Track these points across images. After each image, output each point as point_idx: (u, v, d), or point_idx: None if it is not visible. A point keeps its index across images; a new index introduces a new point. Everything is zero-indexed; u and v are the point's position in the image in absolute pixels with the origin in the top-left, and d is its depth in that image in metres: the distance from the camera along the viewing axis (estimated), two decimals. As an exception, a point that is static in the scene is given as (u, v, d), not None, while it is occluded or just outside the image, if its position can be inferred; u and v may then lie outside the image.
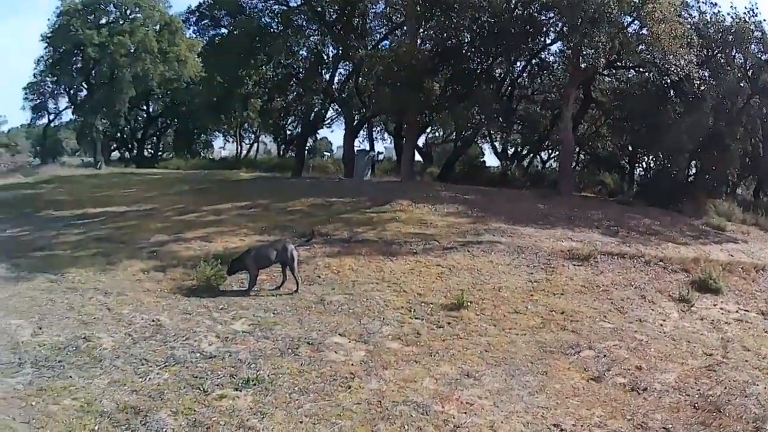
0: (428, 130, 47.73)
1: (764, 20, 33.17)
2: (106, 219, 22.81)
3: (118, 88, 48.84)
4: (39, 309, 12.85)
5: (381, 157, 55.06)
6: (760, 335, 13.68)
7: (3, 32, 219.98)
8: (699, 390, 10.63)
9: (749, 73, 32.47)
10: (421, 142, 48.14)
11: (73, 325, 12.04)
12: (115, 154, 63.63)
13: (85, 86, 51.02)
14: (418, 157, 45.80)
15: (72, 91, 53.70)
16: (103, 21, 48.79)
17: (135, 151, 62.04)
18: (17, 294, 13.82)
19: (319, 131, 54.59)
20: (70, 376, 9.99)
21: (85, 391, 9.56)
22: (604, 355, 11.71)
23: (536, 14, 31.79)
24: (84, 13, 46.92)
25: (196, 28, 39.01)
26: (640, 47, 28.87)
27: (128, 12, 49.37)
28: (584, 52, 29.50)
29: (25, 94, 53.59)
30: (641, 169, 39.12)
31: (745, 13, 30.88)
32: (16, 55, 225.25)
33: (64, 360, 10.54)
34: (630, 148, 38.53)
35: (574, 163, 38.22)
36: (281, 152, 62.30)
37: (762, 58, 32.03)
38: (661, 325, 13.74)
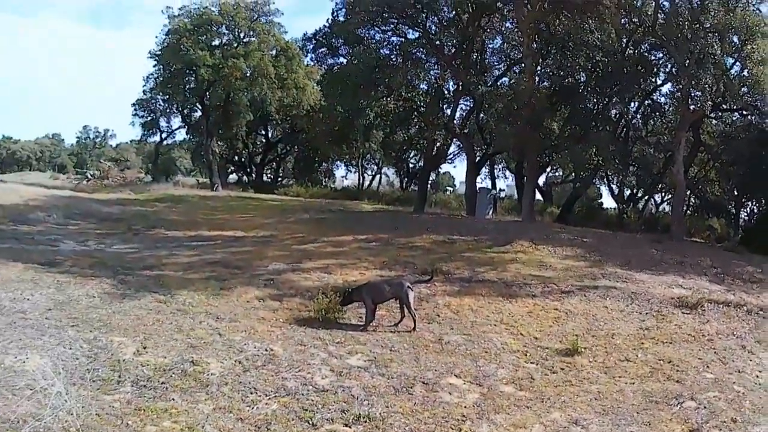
0: (548, 169, 47.51)
1: None
2: (221, 243, 22.85)
3: (235, 111, 49.69)
4: (144, 328, 12.62)
5: (503, 195, 54.76)
6: None
7: (109, 47, 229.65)
8: (784, 444, 10.45)
9: None
10: (541, 181, 48.30)
11: (180, 347, 11.75)
12: (233, 177, 64.74)
13: (200, 107, 51.65)
14: (538, 195, 45.75)
15: (186, 111, 55.12)
16: (216, 42, 49.39)
17: (254, 175, 62.55)
18: (121, 311, 13.60)
19: (441, 166, 54.64)
20: (173, 399, 9.73)
21: (187, 415, 9.30)
22: (704, 407, 11.33)
23: (647, 54, 33.30)
24: (195, 33, 47.44)
25: (313, 55, 39.57)
26: (743, 89, 29.89)
27: (242, 35, 49.83)
28: (692, 94, 29.77)
29: (135, 110, 55.56)
30: (746, 214, 39.41)
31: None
32: (121, 70, 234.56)
33: (167, 382, 10.26)
34: (736, 193, 38.84)
35: (685, 207, 38.10)
36: (404, 185, 62.04)
37: None
38: (757, 376, 13.25)
